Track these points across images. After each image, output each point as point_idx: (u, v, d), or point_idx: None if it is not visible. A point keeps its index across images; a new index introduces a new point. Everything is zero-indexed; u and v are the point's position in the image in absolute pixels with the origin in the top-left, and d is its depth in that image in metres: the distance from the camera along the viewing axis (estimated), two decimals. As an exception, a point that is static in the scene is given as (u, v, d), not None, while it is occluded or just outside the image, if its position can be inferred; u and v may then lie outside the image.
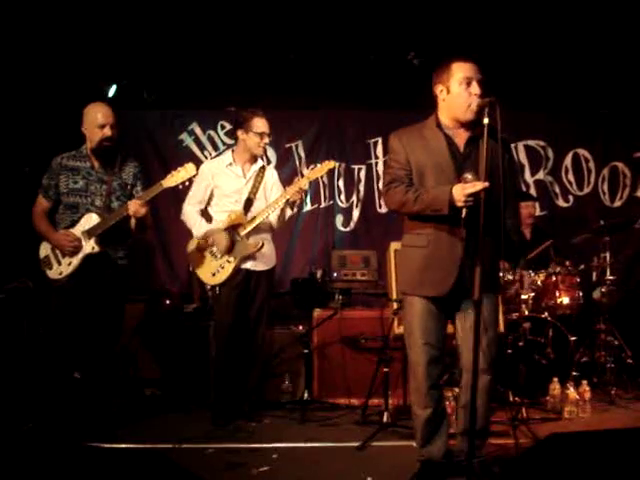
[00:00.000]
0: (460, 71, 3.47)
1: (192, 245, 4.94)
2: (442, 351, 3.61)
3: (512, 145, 3.72)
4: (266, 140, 4.93)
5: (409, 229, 3.65)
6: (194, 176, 4.54)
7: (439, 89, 3.55)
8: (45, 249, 4.48)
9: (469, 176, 3.30)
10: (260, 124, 4.87)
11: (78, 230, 4.38)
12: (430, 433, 3.62)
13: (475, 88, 3.43)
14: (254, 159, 5.01)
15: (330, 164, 4.85)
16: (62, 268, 4.39)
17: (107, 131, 4.39)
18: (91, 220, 4.38)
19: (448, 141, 3.52)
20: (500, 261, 3.88)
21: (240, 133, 4.93)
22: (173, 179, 4.40)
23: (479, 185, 3.25)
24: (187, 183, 4.83)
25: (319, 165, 4.95)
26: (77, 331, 4.35)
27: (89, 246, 4.35)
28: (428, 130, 3.59)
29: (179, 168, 4.43)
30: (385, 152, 7.06)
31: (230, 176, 4.93)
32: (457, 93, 3.47)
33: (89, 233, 4.35)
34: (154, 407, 5.30)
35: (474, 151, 3.48)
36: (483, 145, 3.28)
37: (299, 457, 4.16)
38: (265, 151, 5.23)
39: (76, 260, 4.36)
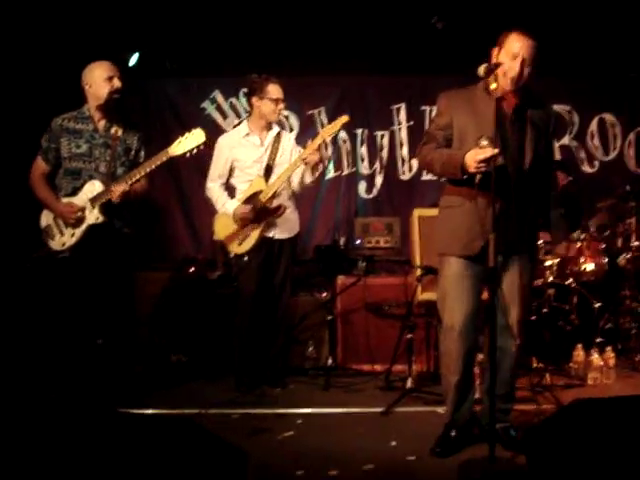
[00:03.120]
0: (512, 43, 3.42)
1: (218, 216, 4.94)
2: (477, 315, 3.61)
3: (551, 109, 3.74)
4: (281, 106, 4.89)
5: (448, 191, 3.66)
6: (204, 143, 4.19)
7: (494, 52, 3.51)
8: (47, 218, 4.29)
9: (484, 142, 3.29)
10: (274, 90, 4.83)
11: (81, 198, 4.19)
12: (459, 398, 3.65)
13: (516, 65, 3.38)
14: (270, 126, 4.98)
15: (344, 118, 4.69)
16: (65, 239, 4.22)
17: (116, 82, 4.23)
18: (94, 188, 4.18)
19: (496, 106, 3.49)
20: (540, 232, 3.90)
21: (255, 100, 4.90)
22: (180, 146, 4.14)
23: (489, 152, 3.25)
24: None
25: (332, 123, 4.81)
26: (87, 298, 4.23)
27: (93, 216, 4.17)
28: (477, 94, 3.57)
29: (186, 134, 4.17)
30: (408, 118, 7.03)
31: (248, 147, 4.91)
32: (503, 61, 3.42)
33: (93, 202, 4.16)
34: (180, 373, 5.35)
35: (521, 117, 3.48)
36: (493, 114, 3.29)
37: (323, 423, 4.21)
38: (282, 118, 5.16)
39: (79, 231, 4.19)
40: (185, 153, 4.16)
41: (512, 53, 3.40)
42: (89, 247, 4.22)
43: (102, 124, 4.32)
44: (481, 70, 3.37)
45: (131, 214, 4.39)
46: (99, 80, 4.23)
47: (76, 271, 4.22)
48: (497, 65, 3.36)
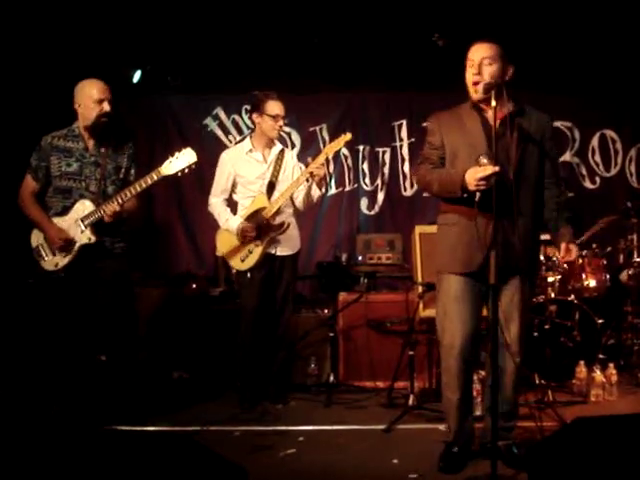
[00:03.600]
0: (469, 54, 3.55)
1: (220, 232, 4.94)
2: (478, 333, 3.63)
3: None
4: (280, 123, 4.88)
5: (443, 208, 3.69)
6: (196, 163, 4.17)
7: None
8: (37, 238, 4.27)
9: (484, 160, 3.32)
10: (273, 106, 4.83)
11: (72, 217, 4.17)
12: (460, 416, 3.65)
13: (473, 69, 3.48)
14: (273, 143, 4.99)
15: (347, 137, 4.72)
16: (57, 259, 4.19)
17: (106, 106, 4.18)
18: (84, 207, 4.16)
19: (482, 121, 3.53)
20: (547, 247, 3.90)
21: (255, 117, 4.92)
22: (171, 166, 4.11)
23: (489, 169, 3.28)
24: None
25: (335, 140, 4.82)
26: (83, 317, 4.22)
27: (85, 237, 4.14)
28: (464, 111, 3.62)
29: (176, 153, 4.13)
30: (410, 135, 7.05)
31: (251, 162, 4.92)
32: (466, 75, 3.55)
33: (84, 221, 4.14)
34: (182, 390, 5.35)
35: (508, 130, 3.47)
36: (493, 128, 3.32)
37: (325, 440, 4.19)
38: (284, 134, 5.17)
39: (72, 251, 4.16)
40: (176, 173, 4.15)
41: (469, 62, 3.52)
42: (83, 267, 4.20)
43: (92, 143, 4.29)
44: (480, 89, 3.44)
45: (123, 232, 4.36)
46: (88, 101, 4.20)
47: (71, 291, 4.21)
48: (496, 84, 3.39)
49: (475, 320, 3.58)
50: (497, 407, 3.29)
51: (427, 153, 3.68)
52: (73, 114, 4.31)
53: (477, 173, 3.30)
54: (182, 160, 4.13)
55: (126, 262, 4.40)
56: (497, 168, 3.27)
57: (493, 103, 3.31)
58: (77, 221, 4.16)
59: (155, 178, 4.11)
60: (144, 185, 4.12)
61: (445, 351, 3.64)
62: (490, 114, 3.45)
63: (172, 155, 4.14)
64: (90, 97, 4.19)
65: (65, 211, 4.21)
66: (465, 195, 3.40)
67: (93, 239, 4.15)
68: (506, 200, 3.33)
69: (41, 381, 4.59)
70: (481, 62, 3.46)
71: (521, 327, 3.59)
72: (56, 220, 4.21)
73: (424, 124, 3.74)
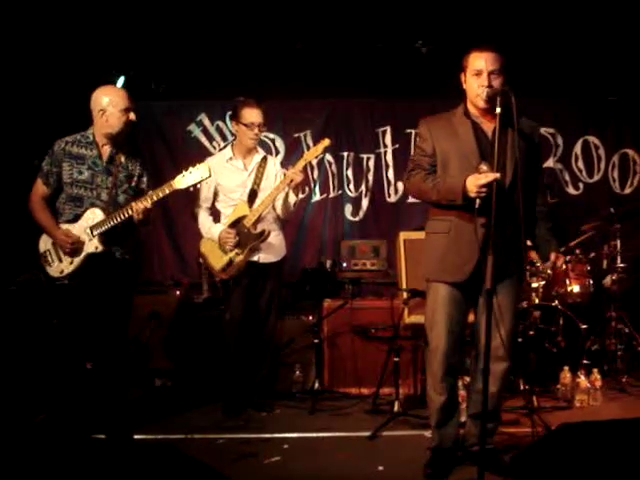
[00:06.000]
0: (473, 61, 3.49)
1: (203, 241, 4.91)
2: (462, 339, 3.67)
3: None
4: (256, 131, 4.81)
5: (433, 215, 3.68)
6: (208, 177, 4.16)
7: (462, 77, 3.59)
8: (45, 243, 4.21)
9: (484, 167, 3.34)
10: (249, 114, 4.77)
11: (82, 226, 4.09)
12: (444, 419, 3.67)
13: (483, 80, 3.44)
14: (254, 150, 4.96)
15: (325, 142, 4.69)
16: (63, 266, 4.13)
17: (132, 115, 4.11)
18: (95, 216, 4.08)
19: (475, 129, 3.54)
20: (530, 252, 3.92)
21: (234, 124, 4.91)
22: (184, 180, 4.07)
23: (491, 176, 3.29)
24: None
25: (314, 146, 4.84)
26: (84, 325, 4.14)
27: (92, 245, 4.08)
28: (456, 118, 3.61)
29: (190, 168, 4.09)
30: (394, 141, 7.06)
31: (232, 170, 4.89)
32: (469, 83, 3.52)
33: (92, 230, 4.07)
34: (165, 398, 5.32)
35: (501, 139, 3.48)
36: (496, 135, 3.30)
37: (310, 447, 4.18)
38: (265, 141, 5.12)
39: (78, 259, 4.10)
40: (188, 187, 4.13)
41: (476, 71, 3.47)
42: (88, 275, 4.13)
43: (106, 150, 4.20)
44: (483, 95, 3.44)
45: (130, 242, 4.30)
46: (115, 110, 4.10)
47: (75, 299, 4.14)
48: (501, 91, 3.35)
49: (461, 325, 3.62)
50: (486, 412, 3.29)
51: (418, 159, 3.66)
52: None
53: (479, 180, 3.30)
54: (195, 175, 4.08)
55: (132, 273, 4.34)
56: (498, 175, 3.29)
57: (498, 110, 3.29)
58: (86, 229, 4.10)
59: (167, 191, 4.07)
60: (155, 198, 4.07)
61: (431, 354, 3.66)
62: (482, 121, 3.50)
63: (186, 170, 4.10)
64: (117, 105, 4.10)
65: (76, 219, 4.14)
66: (465, 202, 3.39)
67: (100, 248, 4.09)
68: (504, 206, 3.34)
69: (28, 388, 4.56)
70: (490, 73, 3.44)
71: (511, 330, 3.64)
72: (66, 227, 4.14)
73: (415, 129, 3.72)
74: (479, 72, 3.46)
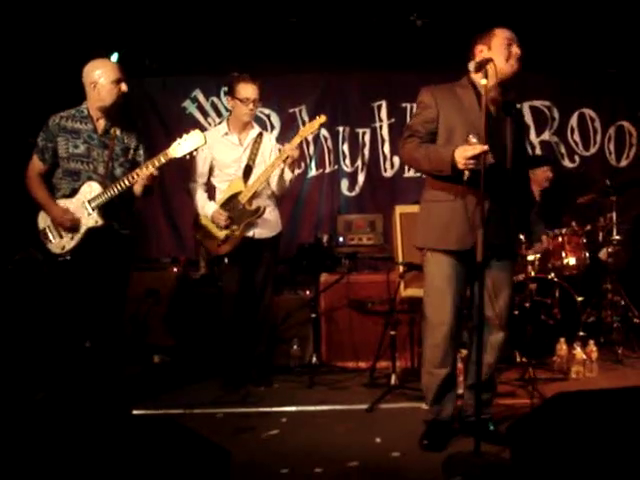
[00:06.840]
0: (509, 34, 3.53)
1: (199, 218, 4.91)
2: (462, 310, 3.67)
3: (518, 106, 3.75)
4: (251, 106, 4.79)
5: (433, 184, 3.62)
6: (204, 144, 4.10)
7: (479, 49, 3.55)
8: (44, 220, 4.18)
9: (473, 139, 3.30)
10: (244, 89, 4.75)
11: (79, 200, 4.08)
12: (443, 393, 3.68)
13: (516, 49, 3.50)
14: (250, 126, 4.94)
15: (321, 119, 4.70)
16: (64, 242, 4.10)
17: (123, 86, 4.08)
18: (92, 189, 4.06)
19: (480, 101, 3.48)
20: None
21: (229, 100, 4.90)
22: (180, 148, 4.01)
23: (478, 148, 3.24)
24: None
25: (310, 122, 4.81)
26: (85, 301, 4.15)
27: (92, 220, 4.05)
28: (461, 89, 3.59)
29: (185, 135, 4.03)
30: (389, 116, 7.03)
31: (227, 145, 4.88)
32: (509, 52, 3.50)
33: (91, 203, 4.05)
34: (164, 374, 5.34)
35: (503, 115, 3.50)
36: (483, 110, 3.29)
37: (308, 420, 4.20)
38: (260, 117, 5.10)
39: (79, 234, 4.08)
40: (185, 155, 4.07)
41: (505, 48, 3.47)
42: (89, 250, 4.11)
43: (101, 124, 4.19)
44: (472, 66, 3.39)
45: (130, 216, 4.30)
46: (106, 82, 4.08)
47: (78, 274, 4.13)
48: (488, 61, 3.33)
49: (461, 298, 3.62)
50: (480, 382, 3.33)
51: (416, 126, 3.59)
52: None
53: (466, 152, 3.26)
54: (190, 142, 4.04)
55: (132, 247, 4.35)
56: (486, 147, 3.22)
57: (483, 81, 3.28)
58: (84, 203, 4.08)
59: (163, 160, 4.03)
60: (152, 168, 4.03)
61: (434, 328, 3.64)
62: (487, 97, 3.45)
63: (180, 137, 4.06)
64: (108, 77, 4.07)
65: (73, 193, 4.13)
66: (453, 174, 3.37)
67: (100, 222, 4.07)
68: (500, 181, 3.34)
69: (27, 366, 4.57)
70: (517, 54, 3.50)
71: (508, 302, 3.66)
72: (63, 202, 4.12)
73: (410, 104, 3.70)
74: (509, 50, 3.49)
